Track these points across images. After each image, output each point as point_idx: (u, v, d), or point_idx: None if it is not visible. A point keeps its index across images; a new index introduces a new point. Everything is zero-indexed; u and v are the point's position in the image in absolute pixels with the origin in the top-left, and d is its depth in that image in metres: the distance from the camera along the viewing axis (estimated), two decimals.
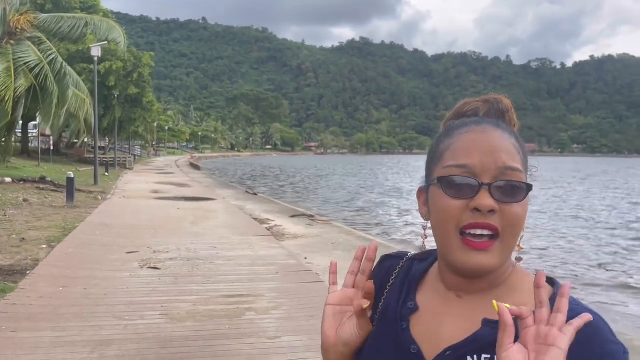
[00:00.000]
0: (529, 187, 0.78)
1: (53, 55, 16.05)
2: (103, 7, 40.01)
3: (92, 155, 28.28)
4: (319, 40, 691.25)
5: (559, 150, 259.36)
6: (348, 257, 1.03)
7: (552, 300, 0.72)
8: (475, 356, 0.77)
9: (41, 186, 18.24)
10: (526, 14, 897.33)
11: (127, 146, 57.80)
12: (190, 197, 18.19)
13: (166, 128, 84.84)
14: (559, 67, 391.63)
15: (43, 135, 37.37)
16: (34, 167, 27.31)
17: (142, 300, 5.72)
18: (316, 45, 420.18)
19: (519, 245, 0.80)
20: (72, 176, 14.62)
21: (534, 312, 0.70)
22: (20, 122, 26.22)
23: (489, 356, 0.76)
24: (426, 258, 0.93)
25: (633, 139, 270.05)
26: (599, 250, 12.84)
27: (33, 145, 38.55)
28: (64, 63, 16.72)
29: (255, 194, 23.23)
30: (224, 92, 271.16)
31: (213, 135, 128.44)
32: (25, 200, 14.36)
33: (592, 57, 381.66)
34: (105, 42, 19.16)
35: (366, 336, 0.86)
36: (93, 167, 23.62)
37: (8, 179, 18.25)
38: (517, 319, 0.70)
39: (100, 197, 16.75)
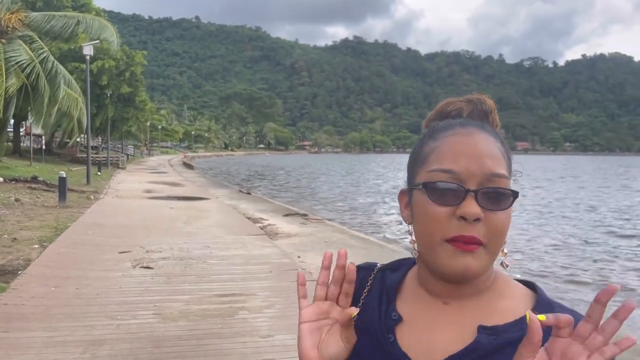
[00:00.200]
0: (515, 195, 0.76)
1: (44, 54, 15.99)
2: (95, 5, 39.73)
3: (85, 155, 28.18)
4: (313, 39, 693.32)
5: (552, 148, 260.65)
6: None
7: (536, 308, 0.72)
8: None
9: (33, 186, 18.13)
10: (519, 13, 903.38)
11: (119, 145, 57.59)
12: (183, 197, 18.14)
13: (159, 127, 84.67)
14: (551, 65, 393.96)
15: (32, 134, 37.13)
16: (25, 166, 27.10)
17: (134, 300, 5.71)
18: (310, 44, 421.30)
19: (503, 251, 0.78)
20: (64, 176, 14.56)
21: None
22: (12, 121, 26.09)
23: None
24: (397, 268, 0.90)
25: (624, 137, 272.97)
26: (587, 248, 12.91)
27: (25, 144, 38.34)
28: (56, 62, 16.66)
29: (249, 193, 23.23)
30: (217, 91, 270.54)
31: (206, 135, 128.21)
32: (17, 200, 14.28)
33: (584, 55, 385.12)
34: (98, 41, 19.09)
35: (352, 348, 0.80)
36: (85, 167, 23.51)
37: None
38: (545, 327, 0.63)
39: (92, 197, 16.67)
